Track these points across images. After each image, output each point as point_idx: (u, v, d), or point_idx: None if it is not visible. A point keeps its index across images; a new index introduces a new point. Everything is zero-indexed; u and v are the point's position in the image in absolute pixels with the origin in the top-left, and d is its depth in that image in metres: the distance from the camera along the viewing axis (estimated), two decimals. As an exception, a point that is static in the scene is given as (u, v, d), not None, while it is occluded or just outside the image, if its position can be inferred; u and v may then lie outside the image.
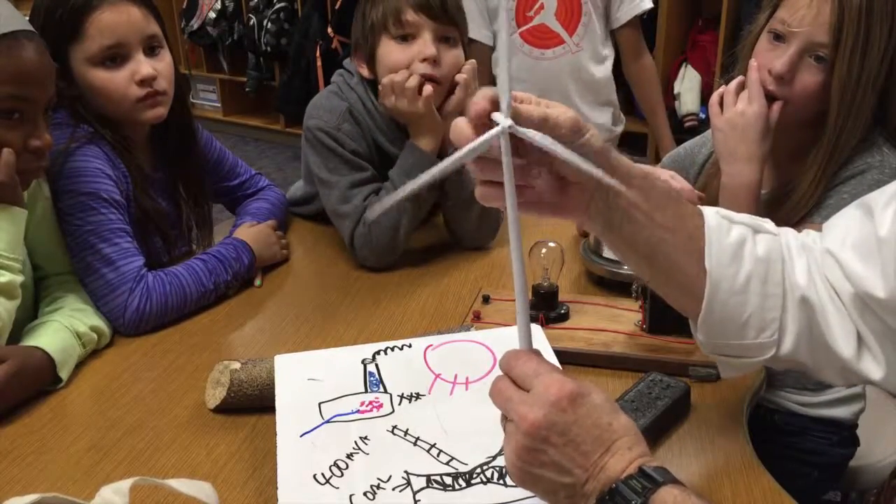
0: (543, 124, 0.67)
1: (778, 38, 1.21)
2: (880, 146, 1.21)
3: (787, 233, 0.83)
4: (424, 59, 1.35)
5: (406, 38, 1.37)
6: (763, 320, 0.78)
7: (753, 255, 0.78)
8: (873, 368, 0.77)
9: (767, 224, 0.82)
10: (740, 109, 1.22)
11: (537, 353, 0.71)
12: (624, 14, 2.15)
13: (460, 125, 0.68)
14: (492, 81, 2.30)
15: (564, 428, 0.65)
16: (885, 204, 0.78)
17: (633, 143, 2.91)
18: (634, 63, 2.25)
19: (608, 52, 2.21)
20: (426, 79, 1.35)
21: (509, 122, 0.64)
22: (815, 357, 0.80)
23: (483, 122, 0.66)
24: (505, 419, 0.69)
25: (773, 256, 0.78)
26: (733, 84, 1.26)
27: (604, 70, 2.20)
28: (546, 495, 0.68)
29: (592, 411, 0.66)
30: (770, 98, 1.22)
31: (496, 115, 0.65)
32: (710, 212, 0.79)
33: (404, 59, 1.36)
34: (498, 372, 0.71)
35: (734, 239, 0.78)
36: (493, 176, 0.69)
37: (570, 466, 0.65)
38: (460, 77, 1.40)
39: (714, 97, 1.28)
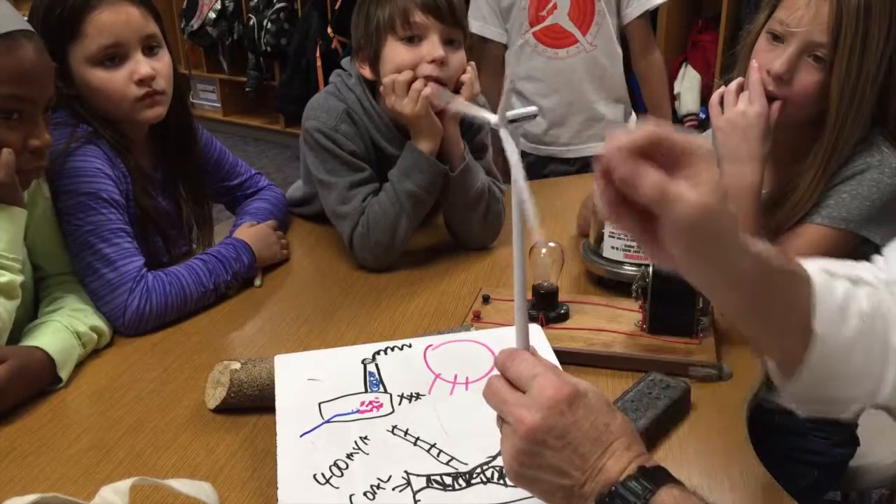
0: (659, 206, 0.60)
1: (777, 38, 1.21)
2: (879, 146, 1.21)
3: (873, 278, 0.79)
4: (433, 61, 1.35)
5: (412, 40, 1.37)
6: (863, 374, 0.76)
7: (859, 313, 0.75)
8: None
9: (863, 273, 0.79)
10: (741, 109, 1.22)
11: (534, 353, 0.70)
12: (634, 9, 2.15)
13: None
14: (503, 80, 2.31)
15: (562, 431, 0.64)
16: None
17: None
18: (644, 58, 2.25)
19: (620, 49, 2.21)
20: (433, 80, 1.35)
21: (494, 118, 0.63)
22: None
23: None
24: (501, 420, 0.68)
25: (876, 311, 0.76)
26: (734, 84, 1.26)
27: (617, 67, 2.21)
28: (544, 496, 0.67)
29: (590, 413, 0.65)
30: (770, 98, 1.22)
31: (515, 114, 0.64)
32: (814, 270, 0.75)
33: (411, 60, 1.36)
34: (497, 372, 0.71)
35: (840, 297, 0.74)
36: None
37: (569, 469, 0.65)
38: (465, 78, 1.40)
39: (714, 97, 1.28)
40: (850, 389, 0.76)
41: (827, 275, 0.75)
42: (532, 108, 0.66)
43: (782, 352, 0.76)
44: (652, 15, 2.40)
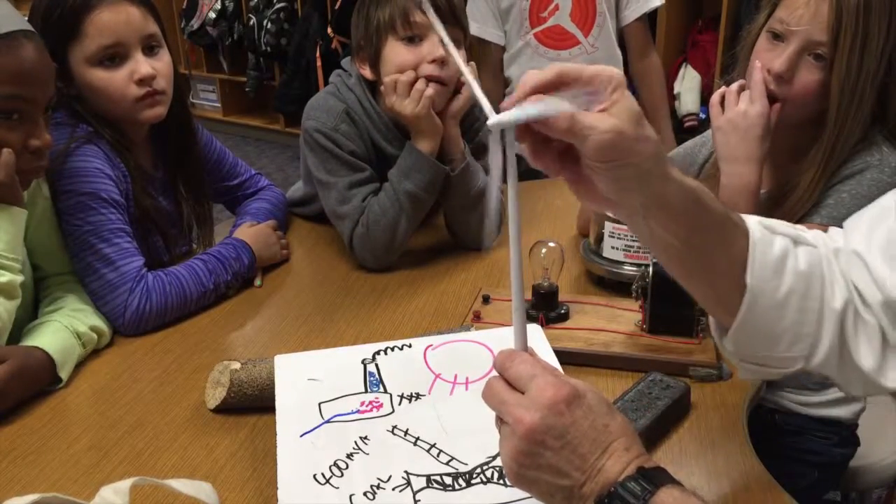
0: (571, 136, 0.63)
1: (777, 37, 1.21)
2: (879, 145, 1.21)
3: (820, 241, 0.80)
4: (434, 61, 1.35)
5: (413, 40, 1.37)
6: (797, 334, 0.77)
7: (795, 270, 0.76)
8: None
9: (807, 234, 0.80)
10: (742, 109, 1.22)
11: (532, 353, 0.70)
12: (633, 11, 2.15)
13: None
14: (503, 82, 2.30)
15: (561, 431, 0.64)
16: None
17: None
18: (641, 61, 2.25)
19: (620, 52, 2.21)
20: (434, 80, 1.35)
21: (494, 119, 0.62)
22: (842, 370, 0.79)
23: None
24: (500, 420, 0.68)
25: (814, 271, 0.77)
26: (735, 86, 1.26)
27: (618, 70, 2.20)
28: (543, 497, 0.67)
29: (589, 413, 0.65)
30: (770, 98, 1.22)
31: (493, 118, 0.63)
32: (753, 223, 0.76)
33: (412, 60, 1.36)
34: (496, 373, 0.71)
35: (777, 253, 0.76)
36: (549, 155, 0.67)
37: (568, 469, 0.65)
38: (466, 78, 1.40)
39: (715, 97, 1.28)
40: (785, 349, 0.77)
41: (767, 230, 0.76)
42: (532, 112, 0.65)
43: (718, 304, 0.78)
44: (652, 15, 2.40)
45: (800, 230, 0.80)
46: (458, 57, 0.65)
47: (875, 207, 0.81)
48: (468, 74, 0.64)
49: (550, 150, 0.68)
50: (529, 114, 0.61)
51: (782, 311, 0.76)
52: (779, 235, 0.77)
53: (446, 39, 0.65)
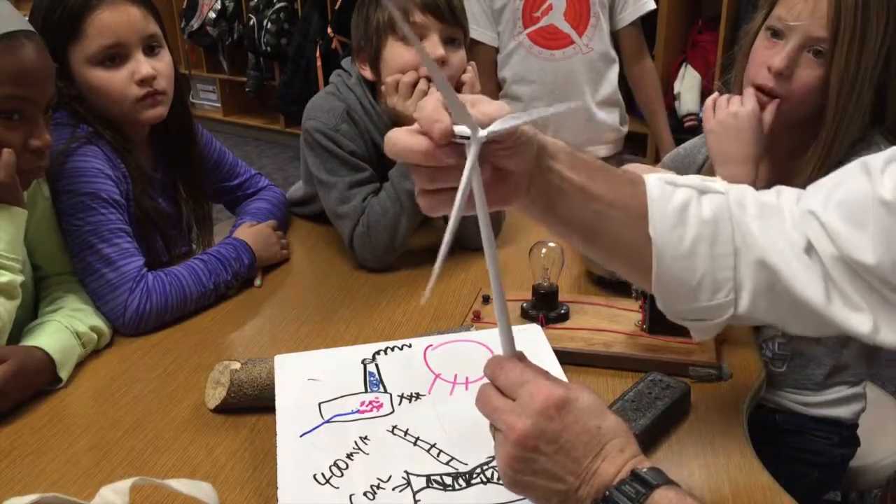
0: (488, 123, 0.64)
1: (775, 35, 1.21)
2: (878, 145, 1.21)
3: (743, 190, 0.80)
4: (433, 61, 1.35)
5: None
6: (716, 281, 0.77)
7: (699, 218, 0.76)
8: (858, 321, 0.75)
9: (716, 184, 0.80)
10: (733, 110, 1.23)
11: (522, 359, 0.70)
12: (628, 15, 2.15)
13: (411, 141, 0.65)
14: (496, 83, 2.30)
15: (553, 436, 0.64)
16: (883, 165, 0.74)
17: (634, 143, 2.91)
18: (636, 65, 2.25)
19: (615, 53, 2.21)
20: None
21: (484, 132, 0.62)
22: (780, 312, 0.79)
23: (448, 139, 0.64)
24: (494, 427, 0.68)
25: (721, 217, 0.77)
26: (726, 96, 1.26)
27: (613, 70, 2.20)
28: (541, 501, 0.68)
29: (580, 416, 0.65)
30: (770, 95, 1.22)
31: (461, 129, 0.63)
32: (652, 179, 0.77)
33: (412, 61, 1.36)
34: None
35: (677, 203, 0.76)
36: (440, 183, 0.67)
37: (562, 473, 0.65)
38: (466, 77, 1.40)
39: (708, 102, 1.29)
40: (707, 297, 0.78)
41: (668, 185, 0.77)
42: (514, 123, 0.64)
43: (634, 268, 0.79)
44: (652, 15, 2.40)
45: (708, 181, 0.80)
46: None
47: (838, 173, 0.80)
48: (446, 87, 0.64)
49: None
50: (492, 129, 0.63)
51: (692, 261, 0.76)
52: (681, 188, 0.77)
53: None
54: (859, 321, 0.75)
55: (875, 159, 0.75)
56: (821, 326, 0.78)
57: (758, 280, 0.77)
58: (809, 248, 0.76)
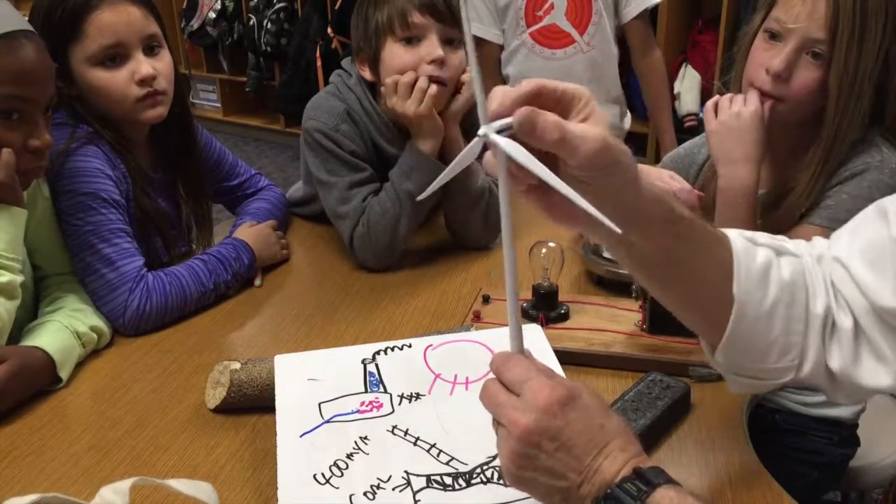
0: (561, 146, 0.62)
1: (774, 37, 1.21)
2: (879, 146, 1.21)
3: (802, 250, 0.81)
4: (432, 61, 1.35)
5: (412, 41, 1.37)
6: (786, 344, 0.77)
7: (779, 280, 0.76)
8: (882, 377, 0.76)
9: (788, 244, 0.80)
10: (735, 111, 1.23)
11: (528, 356, 0.70)
12: (633, 8, 2.15)
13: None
14: (500, 81, 2.30)
15: (556, 433, 0.64)
16: None
17: (633, 143, 2.91)
18: (644, 58, 2.25)
19: (616, 50, 2.21)
20: (433, 80, 1.35)
21: (496, 125, 0.62)
22: (828, 377, 0.79)
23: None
24: (497, 423, 0.68)
25: (797, 280, 0.77)
26: (728, 95, 1.26)
27: (613, 68, 2.21)
28: (542, 498, 0.68)
29: (583, 414, 0.65)
30: (769, 98, 1.22)
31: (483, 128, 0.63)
32: (734, 235, 0.77)
33: (411, 62, 1.36)
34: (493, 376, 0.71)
35: (761, 263, 0.76)
36: (527, 181, 0.65)
37: (564, 471, 0.65)
38: (466, 77, 1.40)
39: (709, 104, 1.29)
40: (775, 360, 0.78)
41: (749, 242, 0.77)
42: (508, 120, 0.65)
43: (705, 319, 0.78)
44: (652, 15, 2.40)
45: (780, 241, 0.80)
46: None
47: (857, 217, 0.81)
48: (477, 88, 0.64)
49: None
50: (518, 158, 0.61)
51: (770, 322, 0.76)
52: (761, 247, 0.77)
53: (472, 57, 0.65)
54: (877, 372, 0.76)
55: (892, 202, 0.77)
56: (855, 392, 0.79)
57: (819, 343, 0.78)
58: (846, 305, 0.77)
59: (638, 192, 0.68)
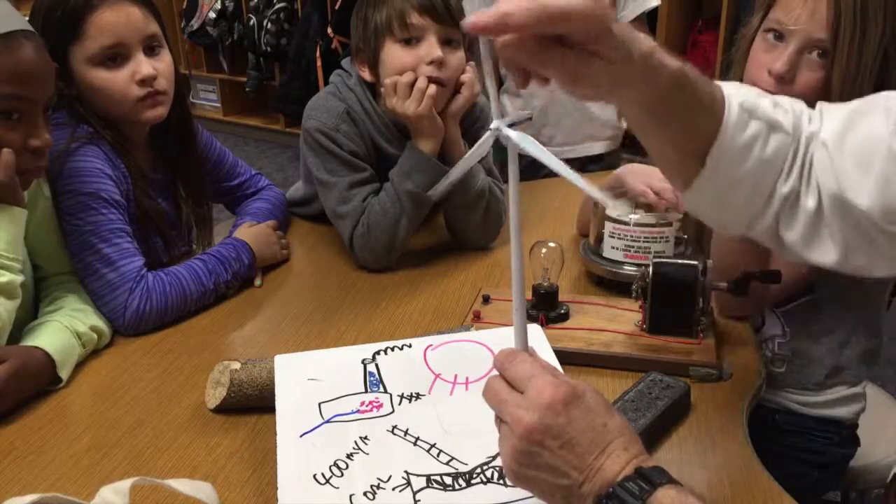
0: (554, 23, 0.61)
1: (774, 38, 1.21)
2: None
3: (799, 126, 0.81)
4: (431, 62, 1.35)
5: (411, 42, 1.37)
6: (743, 211, 0.81)
7: (758, 157, 0.78)
8: (829, 255, 0.80)
9: (785, 120, 0.80)
10: None
11: (532, 353, 0.70)
12: (630, 11, 2.15)
13: None
14: (499, 79, 2.30)
15: (559, 431, 0.65)
16: None
17: (633, 143, 2.92)
18: None
19: None
20: (432, 81, 1.35)
21: (506, 120, 0.64)
22: (778, 244, 0.83)
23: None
24: (499, 420, 0.69)
25: (776, 159, 0.79)
26: None
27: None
28: (543, 496, 0.68)
29: (587, 413, 0.66)
30: None
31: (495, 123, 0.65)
32: (733, 102, 0.77)
33: (410, 62, 1.36)
34: (496, 373, 0.71)
35: (747, 137, 0.77)
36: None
37: (566, 469, 0.65)
38: (465, 78, 1.40)
39: None
40: (729, 219, 0.83)
41: (745, 112, 0.77)
42: (527, 112, 0.67)
43: (678, 166, 0.81)
44: (652, 15, 2.40)
45: (781, 110, 0.80)
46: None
47: (860, 105, 0.81)
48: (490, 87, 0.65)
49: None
50: (530, 150, 0.63)
51: (733, 191, 0.79)
52: (757, 120, 0.78)
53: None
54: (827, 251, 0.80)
55: None
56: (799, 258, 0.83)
57: (775, 215, 0.81)
58: (814, 182, 0.79)
59: (643, 52, 0.68)
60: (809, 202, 0.79)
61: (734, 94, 0.78)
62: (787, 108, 0.81)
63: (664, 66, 0.70)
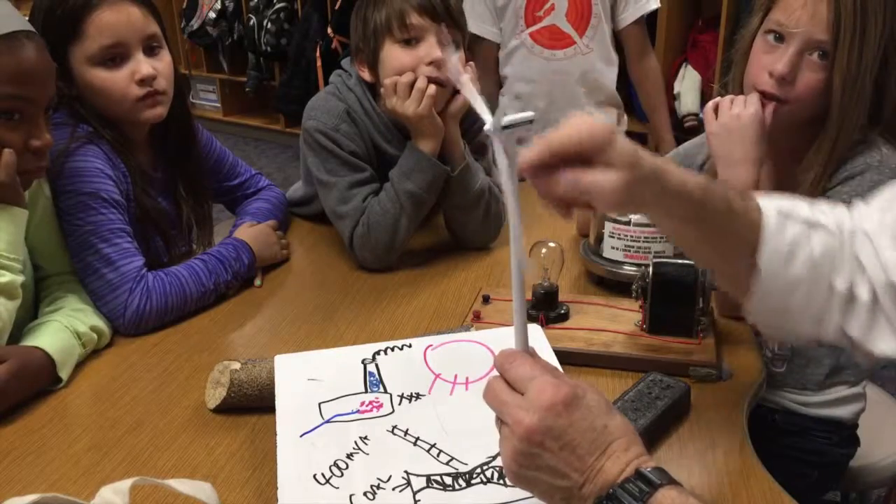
0: (581, 199, 0.68)
1: (775, 39, 1.21)
2: (879, 147, 1.21)
3: (841, 223, 0.83)
4: (431, 63, 1.35)
5: (410, 42, 1.37)
6: (809, 314, 0.81)
7: (807, 258, 0.79)
8: (889, 341, 0.80)
9: (824, 217, 0.82)
10: (736, 112, 1.23)
11: (533, 354, 0.70)
12: (630, 14, 2.15)
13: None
14: (497, 81, 2.30)
15: (559, 432, 0.65)
16: None
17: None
18: (639, 63, 2.25)
19: (615, 54, 2.21)
20: (432, 82, 1.35)
21: (504, 120, 0.65)
22: (850, 343, 0.83)
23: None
24: (500, 421, 0.69)
25: (825, 257, 0.80)
26: (729, 97, 1.26)
27: (612, 72, 2.20)
28: (543, 497, 0.68)
29: (587, 414, 0.66)
30: (771, 100, 1.22)
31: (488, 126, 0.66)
32: (770, 210, 0.80)
33: (410, 63, 1.36)
34: (497, 373, 0.71)
35: (789, 239, 0.79)
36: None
37: (567, 470, 0.65)
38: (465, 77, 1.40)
39: (709, 105, 1.29)
40: (795, 324, 0.83)
41: (781, 216, 0.80)
42: (529, 113, 0.67)
43: (732, 283, 0.83)
44: (652, 15, 2.40)
45: (819, 212, 0.82)
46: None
47: (891, 189, 0.85)
48: (469, 88, 0.66)
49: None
50: (511, 156, 0.66)
51: (792, 295, 0.80)
52: (795, 222, 0.80)
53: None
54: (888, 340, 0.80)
55: None
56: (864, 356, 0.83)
57: (840, 315, 0.82)
58: (865, 278, 0.81)
59: (670, 200, 0.72)
60: (864, 294, 0.80)
61: (768, 201, 0.81)
62: (824, 209, 0.83)
63: (682, 176, 0.73)
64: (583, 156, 0.67)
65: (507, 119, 0.64)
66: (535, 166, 0.67)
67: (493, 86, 2.20)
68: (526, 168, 0.67)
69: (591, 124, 0.68)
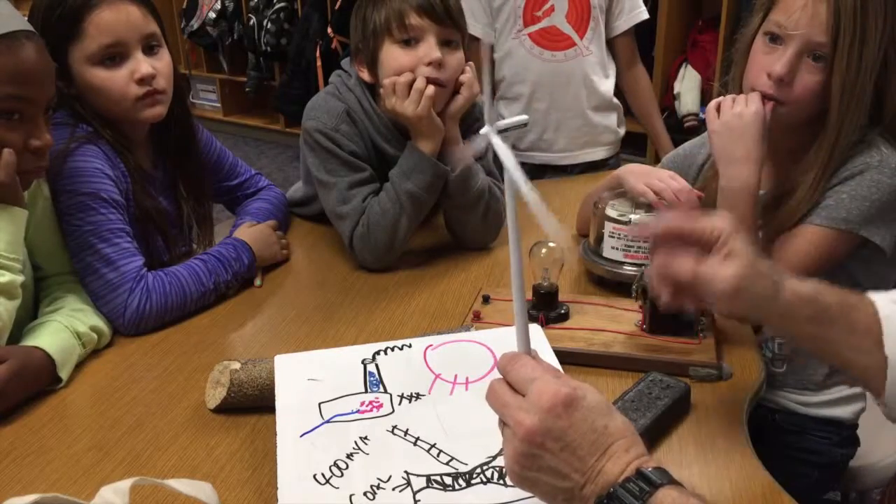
0: (694, 286, 0.74)
1: (774, 40, 1.21)
2: (879, 146, 1.21)
3: None
4: (430, 63, 1.35)
5: (409, 42, 1.37)
6: None
7: None
8: None
9: None
10: (737, 111, 1.23)
11: (534, 356, 0.71)
12: (623, 23, 2.15)
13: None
14: (491, 80, 2.28)
15: (560, 434, 0.65)
16: None
17: (633, 144, 2.91)
18: (629, 71, 2.25)
19: (610, 58, 2.21)
20: (431, 82, 1.35)
21: (502, 123, 0.65)
22: None
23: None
24: (502, 423, 0.69)
25: None
26: (731, 96, 1.26)
27: (612, 73, 2.20)
28: (545, 498, 0.68)
29: (588, 415, 0.66)
30: (771, 102, 1.22)
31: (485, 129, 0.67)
32: (881, 301, 0.81)
33: (409, 63, 1.36)
34: (497, 372, 0.71)
35: None
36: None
37: (568, 471, 0.65)
38: (464, 78, 1.40)
39: (712, 104, 1.29)
40: None
41: (892, 303, 0.81)
42: (522, 118, 0.67)
43: (863, 378, 0.84)
44: (652, 15, 2.40)
45: None
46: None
47: None
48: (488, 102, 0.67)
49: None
50: (505, 162, 0.66)
51: None
52: None
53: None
54: None
55: None
56: None
57: None
58: None
59: (777, 305, 0.77)
60: None
61: (875, 294, 0.82)
62: None
63: (795, 279, 0.77)
64: (704, 243, 0.73)
65: (503, 123, 0.65)
66: (660, 236, 0.73)
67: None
68: (653, 236, 0.73)
69: (722, 217, 0.75)
